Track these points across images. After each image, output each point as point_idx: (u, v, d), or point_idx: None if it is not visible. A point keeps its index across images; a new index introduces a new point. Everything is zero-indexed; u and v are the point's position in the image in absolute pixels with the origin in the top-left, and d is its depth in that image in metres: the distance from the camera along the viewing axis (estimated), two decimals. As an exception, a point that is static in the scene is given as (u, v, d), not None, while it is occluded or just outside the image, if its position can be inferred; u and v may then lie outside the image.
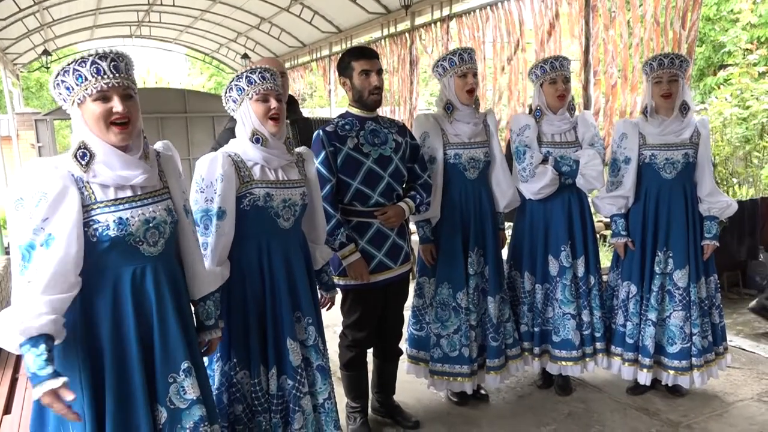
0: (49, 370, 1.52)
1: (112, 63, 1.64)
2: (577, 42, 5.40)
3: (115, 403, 1.65)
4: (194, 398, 1.76)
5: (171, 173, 1.85)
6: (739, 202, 5.00)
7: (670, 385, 3.19)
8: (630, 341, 3.15)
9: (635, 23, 4.92)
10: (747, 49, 7.86)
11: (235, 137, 2.26)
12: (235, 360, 2.16)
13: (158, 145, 1.87)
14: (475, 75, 2.99)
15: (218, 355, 2.17)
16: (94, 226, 1.63)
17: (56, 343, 1.60)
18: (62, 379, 1.52)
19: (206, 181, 2.06)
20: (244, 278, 2.15)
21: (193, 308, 1.94)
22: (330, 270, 2.57)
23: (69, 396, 1.52)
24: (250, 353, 2.15)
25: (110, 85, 1.63)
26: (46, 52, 11.92)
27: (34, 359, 1.53)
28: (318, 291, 2.47)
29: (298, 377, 2.16)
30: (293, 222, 2.21)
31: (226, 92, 2.17)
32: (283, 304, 2.16)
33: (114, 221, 1.64)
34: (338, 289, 2.70)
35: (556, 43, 5.61)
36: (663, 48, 4.62)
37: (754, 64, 7.54)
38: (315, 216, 2.38)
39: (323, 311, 2.47)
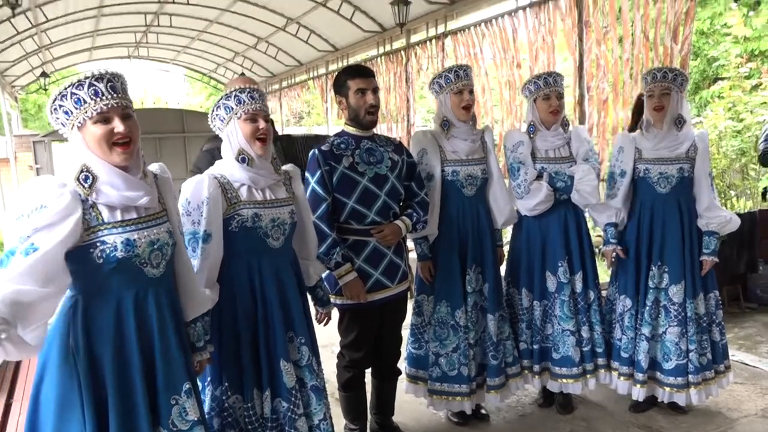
0: None
1: (109, 83, 1.63)
2: (570, 58, 5.42)
3: (119, 427, 1.63)
4: (195, 419, 1.76)
5: (168, 196, 1.85)
6: (738, 215, 5.00)
7: (666, 402, 3.14)
8: (625, 355, 3.12)
9: (626, 38, 4.94)
10: (739, 64, 7.91)
11: (212, 159, 2.31)
12: (226, 384, 2.13)
13: (154, 168, 1.86)
14: (471, 92, 2.98)
15: (209, 379, 2.14)
16: (101, 248, 1.62)
17: (14, 354, 1.47)
18: None
19: (192, 203, 2.05)
20: (235, 299, 2.12)
21: None
22: (324, 285, 2.55)
23: None
24: (243, 376, 2.12)
25: (109, 106, 1.63)
26: (44, 74, 12.02)
27: None
28: (314, 307, 2.44)
29: (293, 399, 2.12)
30: (283, 241, 2.19)
31: (213, 110, 2.16)
32: (275, 324, 2.14)
33: (122, 242, 1.63)
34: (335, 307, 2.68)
35: (549, 59, 5.63)
36: (653, 63, 4.64)
37: (746, 77, 7.58)
38: (305, 233, 2.36)
39: (320, 327, 2.44)
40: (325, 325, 2.53)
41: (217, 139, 2.74)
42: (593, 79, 5.20)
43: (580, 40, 5.23)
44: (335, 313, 2.80)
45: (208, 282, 2.05)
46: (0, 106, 11.38)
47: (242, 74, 12.46)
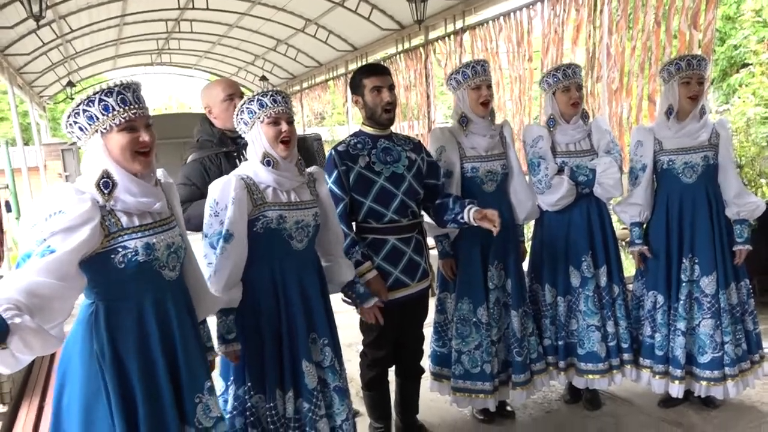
0: None
1: (135, 93, 1.68)
2: (583, 49, 5.35)
3: (150, 428, 1.67)
4: (218, 416, 1.82)
5: (174, 200, 1.89)
6: (769, 203, 4.86)
7: (703, 396, 3.07)
8: (660, 353, 3.05)
9: (635, 26, 4.84)
10: (756, 50, 7.72)
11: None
12: (249, 384, 2.14)
13: (158, 174, 1.87)
14: (489, 87, 2.96)
15: (232, 378, 2.17)
16: (123, 252, 1.65)
17: (38, 347, 1.42)
18: None
19: (220, 204, 2.07)
20: (258, 301, 2.14)
21: None
22: (359, 279, 2.51)
23: None
24: (266, 376, 2.13)
25: (137, 115, 1.67)
26: (70, 84, 12.27)
27: None
28: (357, 305, 2.44)
29: (314, 400, 2.13)
30: (306, 243, 2.20)
31: (237, 114, 2.17)
32: (297, 325, 2.15)
33: (142, 246, 1.67)
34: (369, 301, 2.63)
35: (558, 51, 5.56)
36: (664, 51, 4.53)
37: None
38: (330, 231, 2.36)
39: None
40: (374, 322, 2.47)
41: (203, 148, 2.74)
42: (602, 69, 5.12)
43: (594, 28, 5.14)
44: (356, 314, 2.80)
45: (230, 281, 2.07)
46: (29, 116, 11.65)
47: (266, 77, 12.55)
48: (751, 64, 7.70)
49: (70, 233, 1.56)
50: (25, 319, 1.39)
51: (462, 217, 2.67)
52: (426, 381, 3.09)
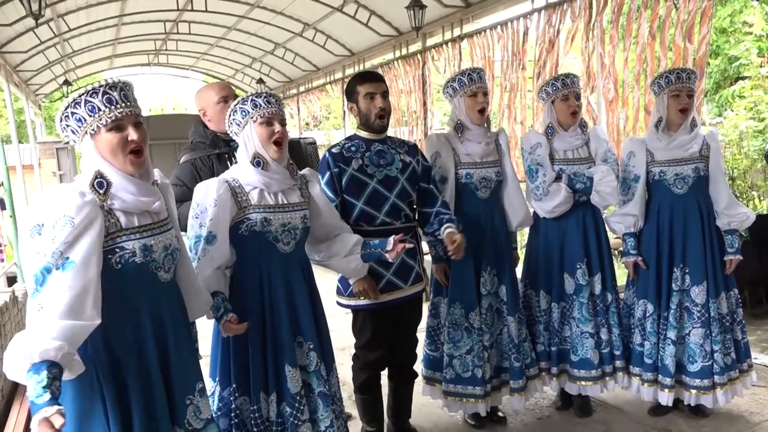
0: (46, 397, 1.42)
1: (122, 92, 1.67)
2: (579, 59, 5.39)
3: (143, 429, 1.66)
4: (208, 417, 1.82)
5: (170, 200, 1.89)
6: (761, 216, 4.92)
7: (692, 405, 3.09)
8: (649, 361, 3.08)
9: (628, 37, 4.88)
10: (760, 63, 7.79)
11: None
12: (234, 385, 2.15)
13: (154, 174, 1.87)
14: (485, 94, 2.99)
15: (218, 380, 2.18)
16: (120, 254, 1.64)
17: (68, 376, 1.53)
18: (55, 407, 1.42)
19: (201, 206, 2.08)
20: (245, 303, 2.14)
21: None
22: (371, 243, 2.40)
23: (59, 421, 1.41)
24: (251, 379, 2.14)
25: (123, 114, 1.66)
26: (67, 82, 12.23)
27: (33, 386, 1.43)
28: (388, 252, 2.31)
29: (297, 405, 2.13)
30: (294, 246, 2.20)
31: (230, 114, 2.18)
32: (283, 329, 2.15)
33: (140, 248, 1.67)
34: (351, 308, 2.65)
35: (552, 61, 5.61)
36: (659, 63, 4.58)
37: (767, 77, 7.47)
38: (327, 217, 2.36)
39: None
40: (399, 252, 2.31)
41: (195, 150, 2.77)
42: (596, 80, 5.16)
43: (588, 40, 5.18)
44: (349, 316, 2.82)
45: (211, 284, 2.06)
46: (24, 114, 11.62)
47: (263, 80, 12.57)
48: (749, 77, 7.75)
49: (83, 239, 1.56)
50: (74, 364, 1.52)
51: (439, 235, 2.74)
52: (419, 385, 3.11)
